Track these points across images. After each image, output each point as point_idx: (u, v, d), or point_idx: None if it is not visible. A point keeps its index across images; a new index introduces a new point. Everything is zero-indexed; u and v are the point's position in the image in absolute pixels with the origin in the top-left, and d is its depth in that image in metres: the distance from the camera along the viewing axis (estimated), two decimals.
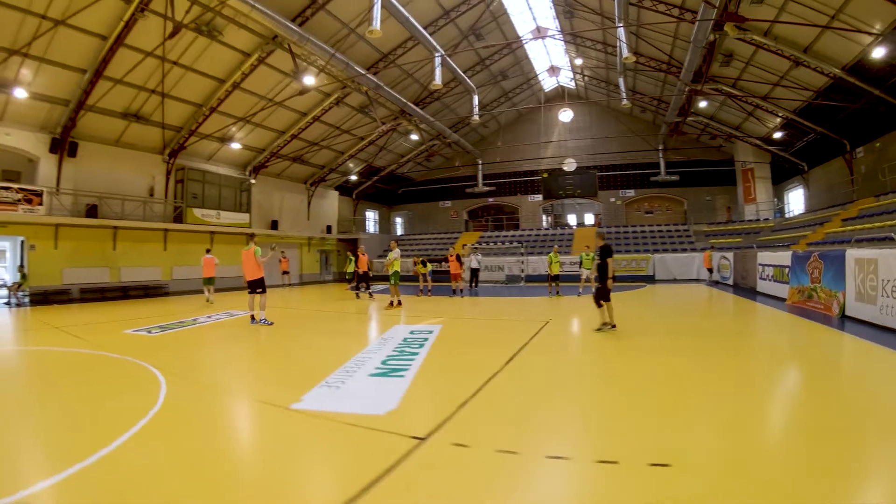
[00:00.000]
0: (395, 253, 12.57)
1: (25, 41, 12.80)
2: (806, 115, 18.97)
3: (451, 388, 4.47)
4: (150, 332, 8.51)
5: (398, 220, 36.65)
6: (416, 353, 6.10)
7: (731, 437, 3.09)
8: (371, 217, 34.70)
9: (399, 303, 12.35)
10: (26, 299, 14.87)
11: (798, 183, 24.08)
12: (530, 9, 21.49)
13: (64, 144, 15.94)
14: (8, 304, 14.49)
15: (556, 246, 16.94)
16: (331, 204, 29.87)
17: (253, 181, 23.76)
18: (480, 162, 32.21)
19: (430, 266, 16.99)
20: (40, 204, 15.29)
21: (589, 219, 33.68)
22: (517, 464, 2.75)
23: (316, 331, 8.87)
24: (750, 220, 24.84)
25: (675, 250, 23.14)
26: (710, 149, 27.84)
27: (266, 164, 23.93)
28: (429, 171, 34.75)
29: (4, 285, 15.98)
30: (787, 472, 2.56)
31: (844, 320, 8.05)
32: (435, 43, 18.07)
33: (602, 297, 7.69)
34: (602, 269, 7.65)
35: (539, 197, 31.38)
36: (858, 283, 8.00)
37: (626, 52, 16.69)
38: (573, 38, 23.42)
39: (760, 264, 14.29)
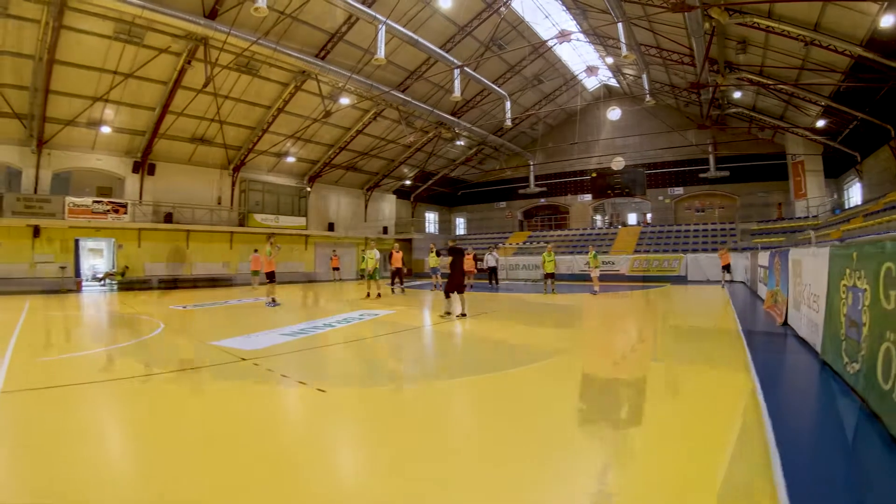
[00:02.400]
0: (374, 253, 14.21)
1: (105, 91, 16.73)
2: (842, 100, 17.22)
3: (309, 343, 6.43)
4: (185, 307, 11.69)
5: (460, 220, 38.23)
6: (332, 326, 7.98)
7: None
8: (430, 218, 36.80)
9: (379, 295, 13.96)
10: (115, 286, 19.02)
11: (854, 176, 21.57)
12: (547, 16, 21.77)
13: (144, 165, 20.18)
14: (102, 286, 19.14)
15: (549, 245, 17.09)
16: (388, 206, 32.34)
17: (308, 189, 26.85)
18: (532, 163, 32.67)
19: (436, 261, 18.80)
20: (125, 213, 19.36)
21: (633, 218, 32.42)
22: (304, 392, 4.15)
23: (296, 308, 11.52)
24: (799, 218, 22.45)
25: (714, 250, 22.32)
26: (761, 142, 25.53)
27: (321, 173, 26.92)
28: (484, 173, 35.88)
29: (102, 275, 20.19)
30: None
31: (786, 330, 7.00)
32: (451, 58, 19.29)
33: (452, 289, 9.08)
34: (453, 266, 9.15)
35: (588, 197, 31.11)
36: (793, 288, 7.05)
37: (625, 51, 16.71)
38: (598, 39, 23.27)
39: (759, 266, 13.45)
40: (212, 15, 15.46)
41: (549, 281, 15.87)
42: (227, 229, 22.85)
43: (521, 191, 33.33)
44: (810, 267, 5.83)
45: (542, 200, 33.32)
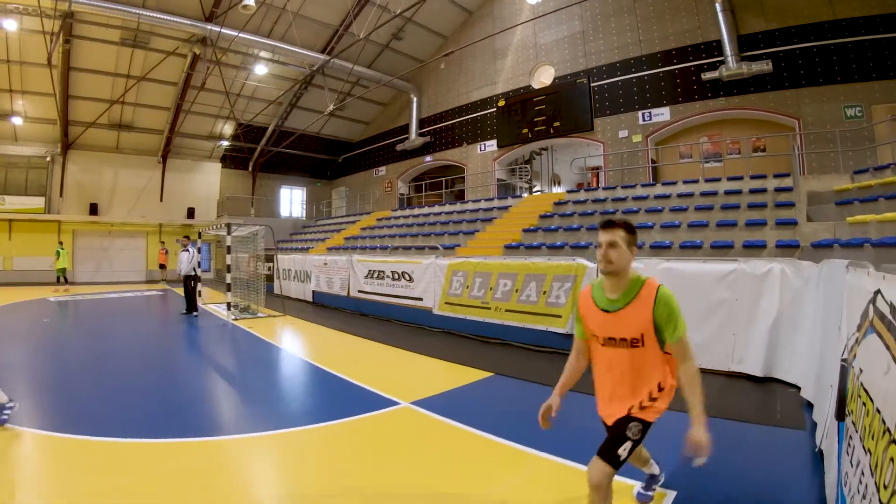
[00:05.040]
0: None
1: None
2: None
3: None
4: None
5: (341, 196, 24.52)
6: None
7: None
8: (290, 195, 24.45)
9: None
10: None
11: None
12: None
13: None
14: None
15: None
16: (205, 180, 21.30)
17: (49, 158, 17.70)
18: (415, 100, 19.49)
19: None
20: None
21: (566, 177, 18.35)
22: None
23: None
24: None
25: (754, 245, 6.86)
26: None
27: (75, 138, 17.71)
28: (366, 127, 22.87)
29: None
30: None
31: None
32: None
33: None
34: None
35: (493, 145, 17.09)
36: None
37: None
38: None
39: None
40: None
41: None
42: None
43: (398, 146, 20.27)
44: None
45: (429, 159, 19.47)
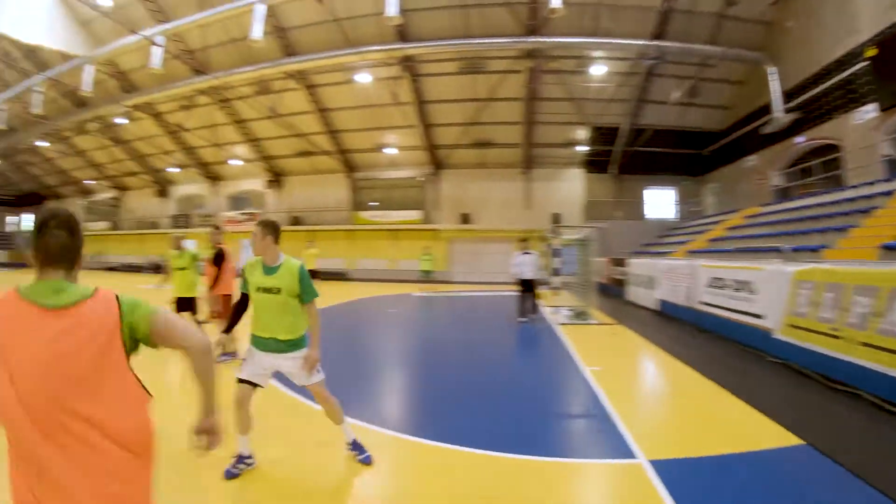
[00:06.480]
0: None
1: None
2: None
3: None
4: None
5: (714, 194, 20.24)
6: None
7: None
8: (658, 196, 22.68)
9: None
10: None
11: None
12: None
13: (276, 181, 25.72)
14: None
15: None
16: (568, 186, 22.86)
17: (421, 178, 23.97)
18: (771, 70, 14.81)
19: None
20: (255, 220, 25.90)
21: None
22: None
23: None
24: None
25: None
26: None
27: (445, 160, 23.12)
28: (726, 112, 18.76)
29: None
30: None
31: None
32: None
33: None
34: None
35: (872, 110, 10.99)
36: None
37: None
38: None
39: None
40: None
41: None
42: (335, 228, 24.45)
43: (763, 129, 15.19)
44: None
45: (800, 139, 13.97)
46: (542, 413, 4.41)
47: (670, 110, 18.24)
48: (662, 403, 4.99)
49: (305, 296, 2.91)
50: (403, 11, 14.05)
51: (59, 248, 1.26)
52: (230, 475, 2.85)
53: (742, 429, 3.91)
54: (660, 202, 22.97)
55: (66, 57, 19.08)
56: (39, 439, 1.14)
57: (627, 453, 3.35)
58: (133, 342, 1.29)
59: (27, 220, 38.21)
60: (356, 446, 3.15)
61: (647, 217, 22.48)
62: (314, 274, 14.44)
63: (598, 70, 17.61)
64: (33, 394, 1.14)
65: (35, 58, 20.80)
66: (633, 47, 15.96)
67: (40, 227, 1.26)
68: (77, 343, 1.18)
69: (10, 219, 38.80)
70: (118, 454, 1.21)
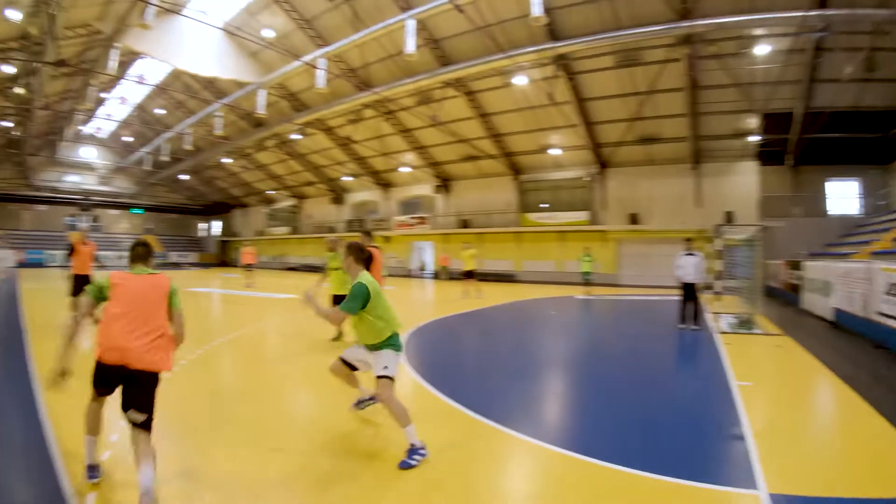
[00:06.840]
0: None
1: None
2: None
3: None
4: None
5: None
6: None
7: None
8: (841, 189, 20.65)
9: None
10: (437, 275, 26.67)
11: None
12: None
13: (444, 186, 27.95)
14: (435, 276, 27.34)
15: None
16: (741, 181, 21.81)
17: (587, 178, 24.17)
18: None
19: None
20: (424, 223, 27.70)
21: None
22: None
23: None
24: None
25: None
26: None
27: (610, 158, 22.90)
28: None
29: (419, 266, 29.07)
30: None
31: None
32: None
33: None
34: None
35: None
36: None
37: None
38: None
39: None
40: None
41: None
42: (502, 230, 25.76)
43: None
44: None
45: None
46: (670, 425, 4.25)
47: (846, 89, 16.54)
48: (808, 431, 4.36)
49: (342, 303, 3.43)
50: (549, 10, 14.18)
51: (142, 254, 2.89)
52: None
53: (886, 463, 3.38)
54: (843, 196, 20.23)
55: (239, 84, 22.36)
56: (134, 325, 2.65)
57: (748, 482, 2.98)
58: (169, 303, 2.84)
59: (216, 227, 45.26)
60: (411, 451, 3.19)
61: (829, 213, 20.75)
62: (471, 274, 16.77)
63: (761, 50, 16.38)
64: (135, 306, 2.69)
65: (213, 88, 24.96)
66: (795, 20, 14.54)
67: (133, 247, 2.90)
68: (152, 291, 2.78)
69: (200, 225, 46.20)
70: (163, 339, 2.74)
